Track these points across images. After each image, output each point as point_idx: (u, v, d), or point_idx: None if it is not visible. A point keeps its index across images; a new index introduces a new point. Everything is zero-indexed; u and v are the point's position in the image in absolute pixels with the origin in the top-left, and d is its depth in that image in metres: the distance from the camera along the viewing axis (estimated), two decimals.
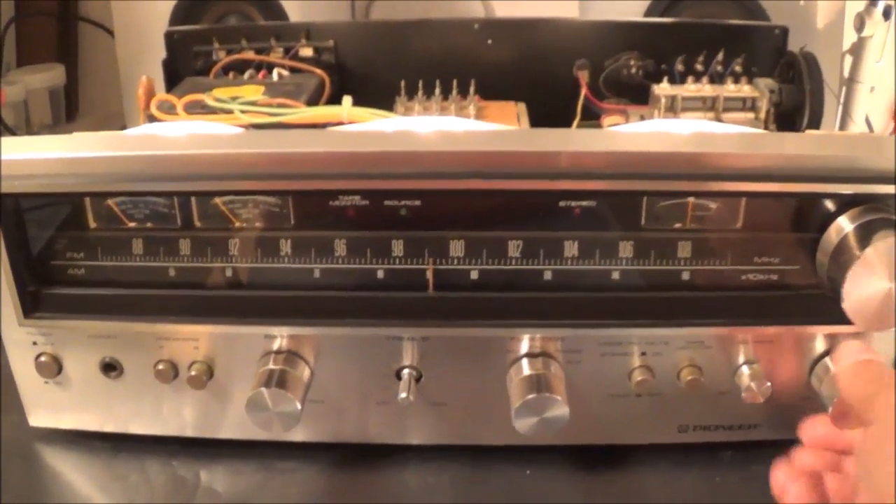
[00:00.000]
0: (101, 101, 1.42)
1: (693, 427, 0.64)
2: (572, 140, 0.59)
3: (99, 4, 1.37)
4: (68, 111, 1.38)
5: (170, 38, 0.96)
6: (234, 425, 0.65)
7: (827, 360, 0.60)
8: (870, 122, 1.07)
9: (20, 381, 0.65)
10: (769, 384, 0.60)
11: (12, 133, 1.19)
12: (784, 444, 0.63)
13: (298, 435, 0.65)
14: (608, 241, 0.59)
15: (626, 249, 0.59)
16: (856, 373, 0.51)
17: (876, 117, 1.08)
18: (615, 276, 0.59)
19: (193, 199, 0.59)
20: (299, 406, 0.59)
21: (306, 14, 1.08)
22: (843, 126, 1.04)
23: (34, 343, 0.63)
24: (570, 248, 0.59)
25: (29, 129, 1.27)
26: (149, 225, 0.60)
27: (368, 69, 0.93)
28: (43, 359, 0.63)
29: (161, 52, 0.96)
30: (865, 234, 0.54)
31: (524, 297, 0.60)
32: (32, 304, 0.62)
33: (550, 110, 0.84)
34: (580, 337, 0.60)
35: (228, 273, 0.61)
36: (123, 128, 1.15)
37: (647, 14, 1.06)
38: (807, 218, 0.57)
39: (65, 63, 1.35)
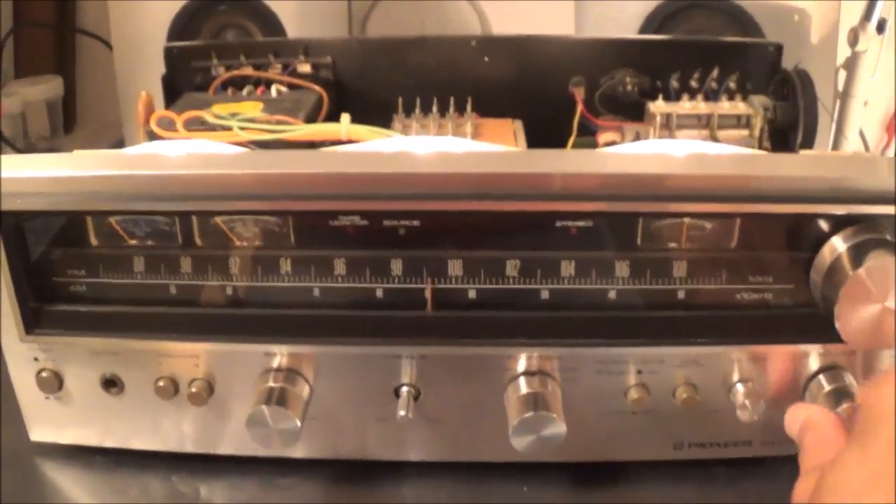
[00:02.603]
0: (98, 113, 1.42)
1: (688, 444, 0.64)
2: (568, 162, 0.60)
3: (96, 16, 1.37)
4: (66, 123, 1.38)
5: (169, 53, 0.96)
6: (234, 441, 0.65)
7: (821, 377, 0.61)
8: (864, 137, 1.07)
9: (21, 396, 0.66)
10: (763, 402, 0.60)
11: (10, 145, 1.20)
12: (777, 461, 0.64)
13: (297, 451, 0.65)
14: (604, 260, 0.59)
15: (622, 269, 0.59)
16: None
17: (870, 132, 1.09)
18: (611, 295, 0.60)
19: (194, 218, 0.59)
20: (299, 423, 0.59)
21: (303, 28, 1.08)
22: (836, 141, 1.05)
23: (35, 359, 0.63)
24: (567, 268, 0.59)
25: (26, 140, 1.27)
26: (150, 243, 0.60)
27: (366, 85, 0.94)
28: (44, 374, 0.63)
29: (158, 64, 0.97)
30: (859, 254, 0.54)
31: (521, 316, 0.60)
32: (34, 320, 0.62)
33: (547, 127, 0.85)
34: (577, 355, 0.61)
35: (229, 291, 0.61)
36: (121, 139, 1.16)
37: (642, 30, 1.07)
38: (801, 238, 0.58)
39: (62, 75, 1.35)
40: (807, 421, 0.53)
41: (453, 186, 0.56)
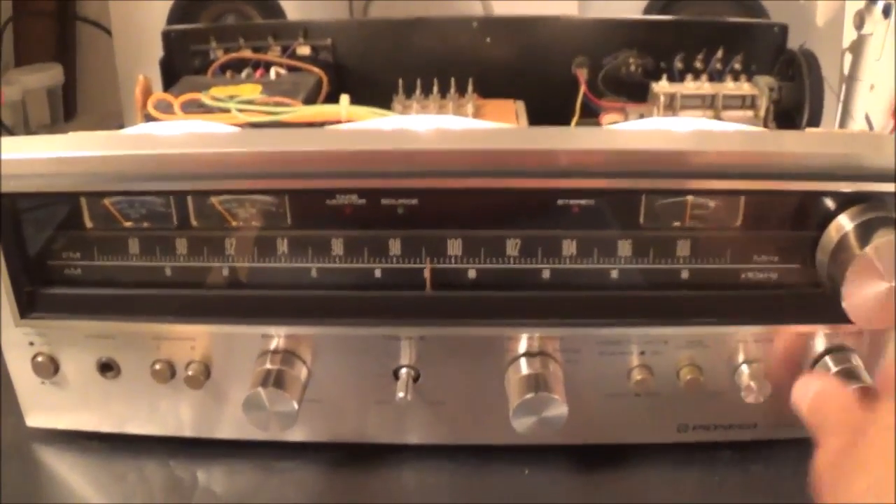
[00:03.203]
0: (99, 101, 1.42)
1: (692, 426, 0.64)
2: (570, 138, 0.59)
3: (96, 4, 1.37)
4: (66, 111, 1.38)
5: (167, 36, 0.96)
6: (232, 425, 0.65)
7: (827, 358, 0.60)
8: (870, 120, 1.06)
9: (17, 382, 0.65)
10: (769, 383, 0.59)
11: (10, 133, 1.19)
12: (784, 444, 0.63)
13: (296, 434, 0.65)
14: (607, 239, 0.58)
15: (624, 248, 0.59)
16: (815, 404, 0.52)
17: (876, 115, 1.08)
18: (614, 274, 0.59)
19: (190, 199, 0.59)
20: (296, 406, 0.59)
21: (304, 12, 1.08)
22: (842, 124, 1.04)
23: (31, 343, 0.63)
24: (569, 247, 0.58)
25: (27, 128, 1.27)
26: (145, 224, 0.60)
27: (366, 67, 0.93)
28: (39, 359, 0.63)
29: (159, 52, 0.96)
30: (865, 233, 0.54)
31: (522, 296, 0.60)
32: (29, 305, 0.62)
33: (549, 108, 0.84)
34: (579, 336, 0.60)
35: (225, 272, 0.60)
36: (121, 127, 1.15)
37: (647, 12, 1.06)
38: (806, 216, 0.57)
39: (63, 62, 1.35)
40: (821, 393, 0.52)
41: (453, 164, 0.56)
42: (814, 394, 0.52)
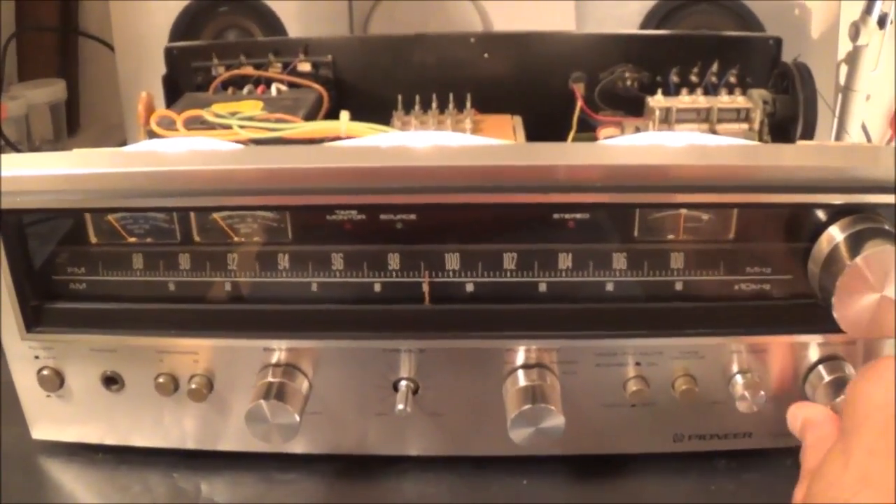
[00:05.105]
0: (101, 116, 1.43)
1: (688, 436, 0.64)
2: (565, 154, 0.60)
3: (99, 19, 1.37)
4: (69, 126, 1.38)
5: (169, 53, 0.97)
6: (234, 437, 0.66)
7: (820, 368, 0.60)
8: (866, 131, 1.07)
9: (22, 395, 0.66)
10: (763, 393, 0.60)
11: (14, 148, 1.20)
12: (778, 453, 0.64)
13: (298, 446, 0.65)
14: (602, 252, 0.59)
15: (619, 261, 0.59)
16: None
17: (873, 126, 1.09)
18: (609, 287, 0.60)
19: (193, 215, 0.59)
20: (298, 418, 0.59)
21: (305, 29, 1.09)
22: (838, 136, 1.05)
23: (36, 357, 0.64)
24: (565, 260, 0.59)
25: (30, 143, 1.27)
26: (149, 240, 0.61)
27: (366, 84, 0.94)
28: (45, 372, 0.64)
29: (161, 66, 0.97)
30: (856, 244, 0.54)
31: (519, 308, 0.60)
32: (34, 319, 0.62)
33: (546, 123, 0.85)
34: (575, 348, 0.61)
35: (227, 287, 0.61)
36: (124, 142, 1.16)
37: (642, 27, 1.07)
38: (798, 228, 0.58)
39: (65, 78, 1.35)
40: (806, 420, 0.54)
41: (450, 180, 0.56)
42: (801, 421, 0.54)
